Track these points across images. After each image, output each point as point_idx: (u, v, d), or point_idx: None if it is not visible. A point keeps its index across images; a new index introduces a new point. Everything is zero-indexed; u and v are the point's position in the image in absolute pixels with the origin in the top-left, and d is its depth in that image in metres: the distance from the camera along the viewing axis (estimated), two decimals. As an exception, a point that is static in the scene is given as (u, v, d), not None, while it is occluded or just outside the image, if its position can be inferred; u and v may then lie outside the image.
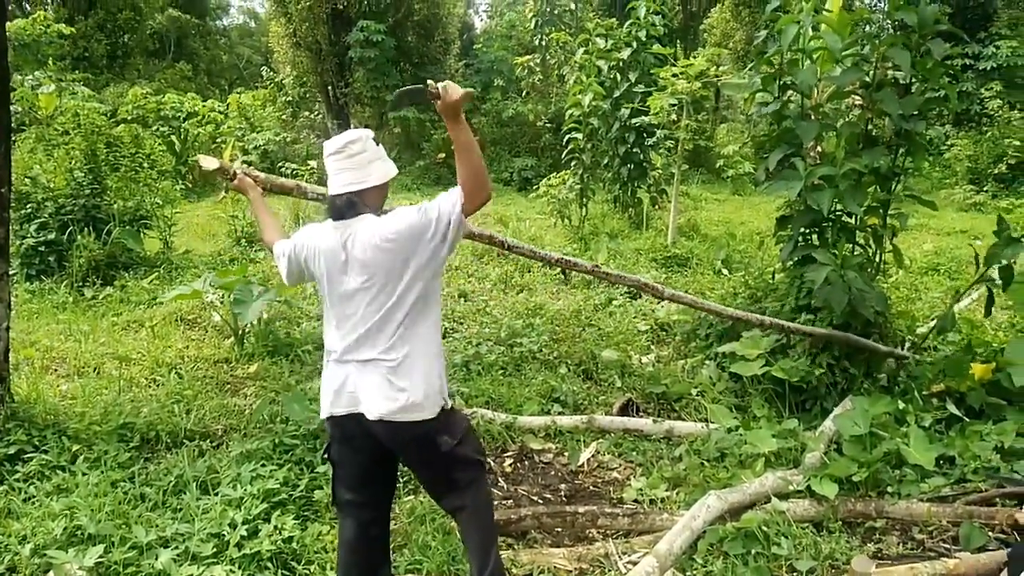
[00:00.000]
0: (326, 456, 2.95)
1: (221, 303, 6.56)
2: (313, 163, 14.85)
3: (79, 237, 7.81)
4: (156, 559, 3.22)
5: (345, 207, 2.82)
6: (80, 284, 7.62)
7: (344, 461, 2.89)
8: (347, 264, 2.76)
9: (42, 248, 7.83)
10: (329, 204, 2.90)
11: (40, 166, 8.40)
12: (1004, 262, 4.81)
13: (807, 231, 5.45)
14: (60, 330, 6.38)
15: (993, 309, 5.16)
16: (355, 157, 2.82)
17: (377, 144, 2.92)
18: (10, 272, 4.55)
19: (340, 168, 2.83)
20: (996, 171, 14.33)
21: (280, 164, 14.94)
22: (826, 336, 4.93)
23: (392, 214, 2.79)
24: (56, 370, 5.61)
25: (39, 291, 7.44)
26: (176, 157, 14.72)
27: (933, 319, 6.45)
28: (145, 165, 9.09)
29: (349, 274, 2.76)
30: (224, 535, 3.40)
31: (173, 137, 15.91)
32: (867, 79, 5.08)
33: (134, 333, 6.50)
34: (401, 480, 4.16)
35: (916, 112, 5.07)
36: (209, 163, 3.73)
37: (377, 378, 2.69)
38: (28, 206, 7.98)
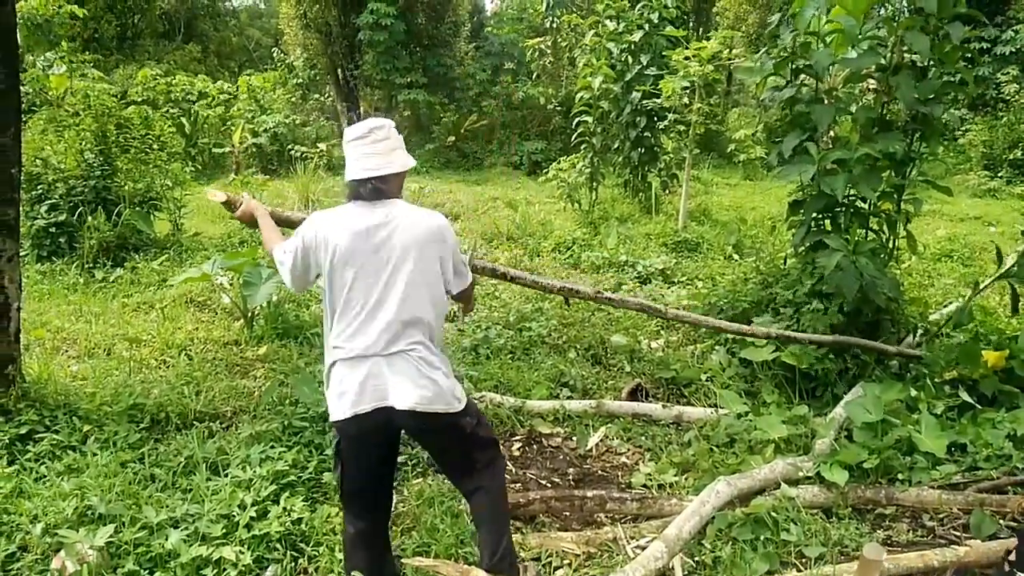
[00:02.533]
0: (336, 453, 2.93)
1: (230, 285, 6.57)
2: (323, 146, 14.88)
3: (89, 218, 7.82)
4: (166, 539, 3.24)
5: (370, 192, 2.83)
6: (91, 265, 7.64)
7: (358, 456, 2.88)
8: (385, 245, 2.76)
9: (53, 229, 7.84)
10: (351, 188, 2.89)
11: (51, 147, 8.40)
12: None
13: (820, 216, 5.40)
14: (71, 311, 6.41)
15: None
16: (380, 143, 2.84)
17: (398, 133, 2.94)
18: (20, 253, 4.56)
19: (364, 153, 2.83)
20: (1011, 157, 14.17)
21: (289, 146, 14.94)
22: (833, 343, 4.89)
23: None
24: (67, 351, 5.63)
25: (50, 272, 7.46)
26: (186, 139, 14.71)
27: (946, 306, 6.42)
28: (155, 147, 9.06)
29: (383, 253, 2.76)
30: (234, 516, 3.41)
31: (183, 119, 15.90)
32: (883, 62, 5.01)
33: (144, 315, 6.52)
34: (409, 464, 4.18)
35: (932, 96, 5.00)
36: (217, 196, 3.71)
37: (410, 369, 2.71)
38: (39, 187, 7.99)
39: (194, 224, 9.68)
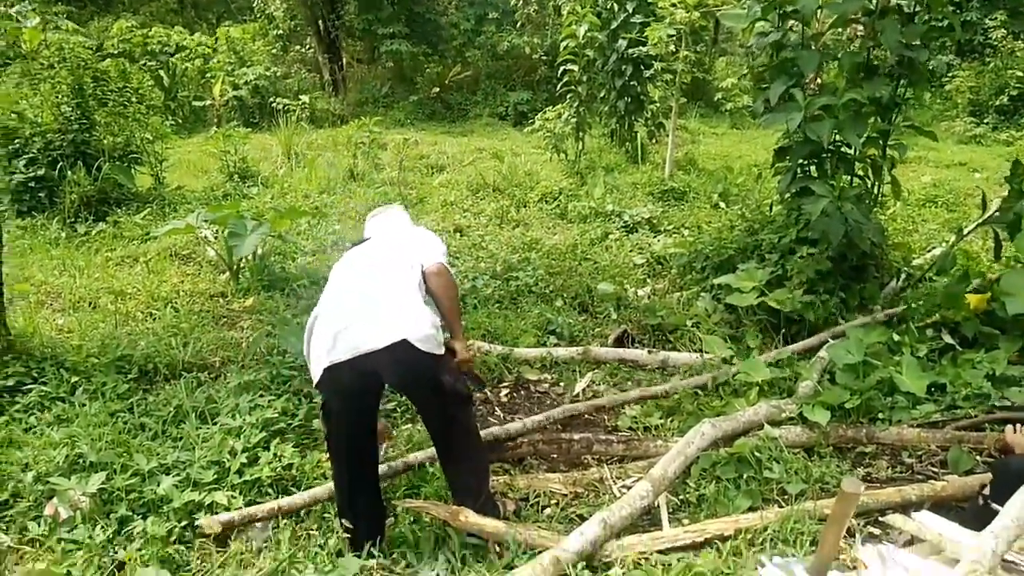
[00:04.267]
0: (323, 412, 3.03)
1: (215, 238, 6.53)
2: (305, 98, 14.62)
3: (69, 173, 7.69)
4: (158, 485, 3.27)
5: None
6: (72, 220, 7.54)
7: (343, 410, 2.95)
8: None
9: (32, 184, 7.70)
10: None
11: (26, 101, 8.23)
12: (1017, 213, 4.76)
13: (805, 163, 5.39)
14: (54, 265, 6.35)
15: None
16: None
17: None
18: (1, 208, 4.50)
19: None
20: (997, 103, 14.11)
21: (271, 99, 14.68)
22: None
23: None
24: (51, 304, 5.60)
25: (31, 227, 7.36)
26: (165, 92, 14.41)
27: (929, 251, 6.47)
28: (134, 100, 8.88)
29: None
30: (224, 463, 3.45)
31: (161, 72, 15.54)
32: (870, 6, 4.96)
33: (128, 268, 6.47)
34: (399, 409, 4.22)
35: (919, 41, 4.96)
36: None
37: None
38: (16, 141, 7.83)
39: (176, 178, 9.55)
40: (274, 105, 13.95)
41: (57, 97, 8.17)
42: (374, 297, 2.94)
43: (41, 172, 7.73)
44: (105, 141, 8.26)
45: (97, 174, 7.91)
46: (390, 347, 2.75)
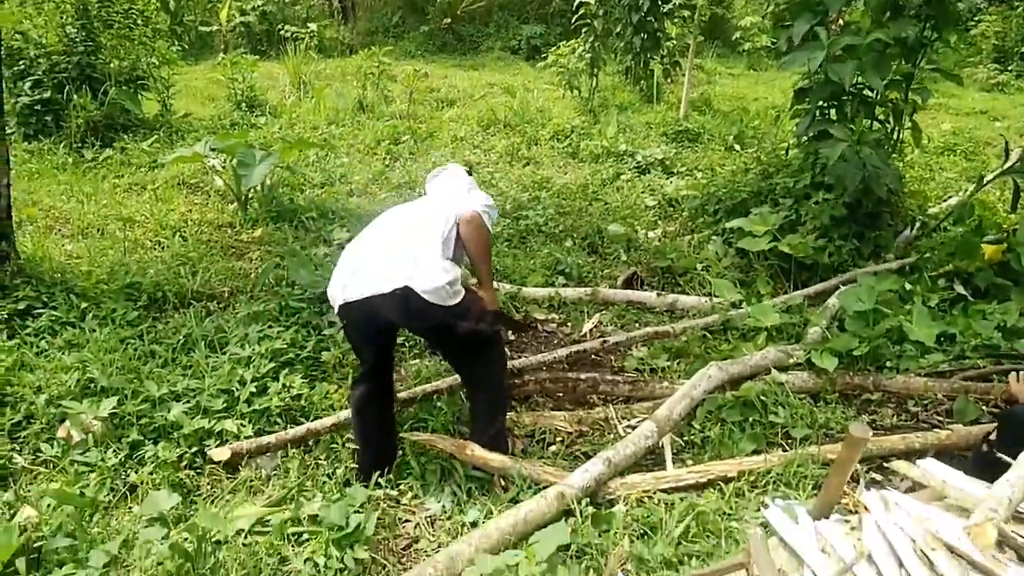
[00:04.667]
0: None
1: (223, 168, 6.46)
2: (313, 26, 14.28)
3: (75, 97, 7.59)
4: (168, 412, 3.31)
5: None
6: (79, 145, 7.46)
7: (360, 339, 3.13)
8: None
9: (38, 107, 7.60)
10: None
11: (30, 21, 8.06)
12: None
13: (825, 105, 5.27)
14: (61, 191, 6.31)
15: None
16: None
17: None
18: (7, 130, 4.44)
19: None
20: (1023, 49, 13.74)
21: (279, 26, 14.36)
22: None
23: None
24: (60, 230, 5.59)
25: (38, 151, 7.29)
26: (171, 16, 14.11)
27: (946, 200, 6.38)
28: (139, 22, 8.69)
29: None
30: (234, 391, 3.49)
31: (167, -6, 15.18)
32: (899, -58, 4.77)
33: (136, 196, 6.43)
34: (406, 344, 4.23)
35: (948, -20, 4.79)
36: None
37: None
38: (21, 63, 7.71)
39: (183, 105, 9.41)
40: (282, 32, 13.65)
41: (61, 17, 8.01)
42: (391, 245, 2.98)
43: (47, 95, 7.63)
44: (111, 65, 8.13)
45: (103, 99, 7.81)
46: (393, 293, 2.80)
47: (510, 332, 4.11)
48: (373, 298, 2.83)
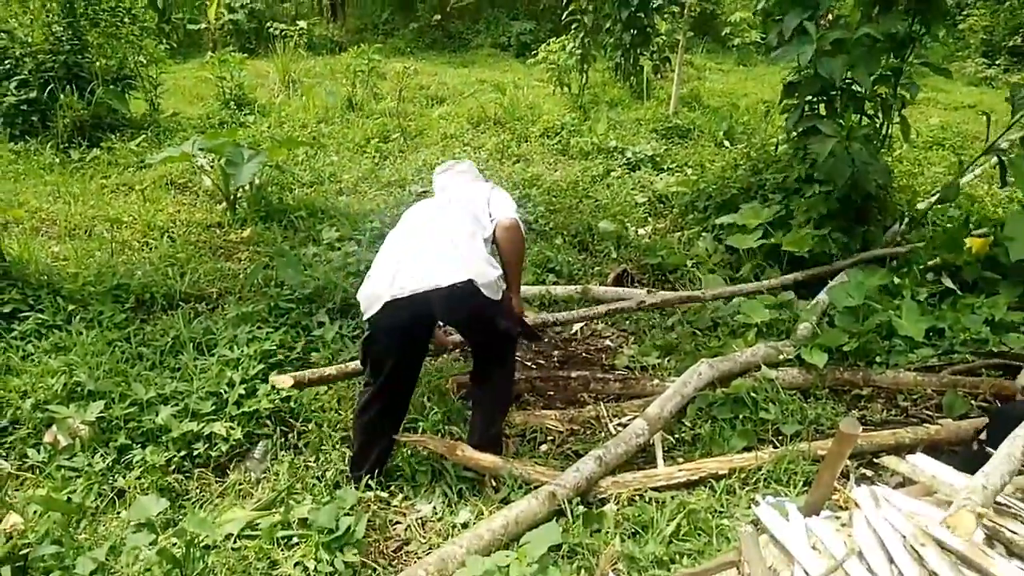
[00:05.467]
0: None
1: (211, 167, 6.42)
2: (302, 23, 14.21)
3: (62, 96, 7.53)
4: (156, 415, 3.29)
5: None
6: (66, 145, 7.41)
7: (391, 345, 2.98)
8: None
9: (24, 107, 7.54)
10: None
11: (16, 19, 7.99)
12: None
13: (814, 100, 5.28)
14: (48, 192, 6.26)
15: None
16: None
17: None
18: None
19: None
20: (1011, 44, 13.79)
21: (268, 23, 14.28)
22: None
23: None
24: (46, 232, 5.54)
25: (24, 152, 7.23)
26: (159, 14, 14.02)
27: (934, 195, 6.38)
28: (126, 20, 8.63)
29: None
30: (223, 393, 3.46)
31: (154, -8, 15.07)
32: (888, -63, 4.77)
33: (124, 196, 6.38)
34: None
35: (938, -26, 4.80)
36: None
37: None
38: (6, 62, 7.63)
39: (171, 104, 9.35)
40: (271, 30, 13.56)
41: (47, 16, 7.94)
42: (440, 239, 2.98)
43: (33, 95, 7.56)
44: (98, 63, 8.05)
45: (90, 98, 7.74)
46: (454, 285, 2.79)
47: (524, 339, 4.10)
48: (428, 292, 2.80)
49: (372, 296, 2.89)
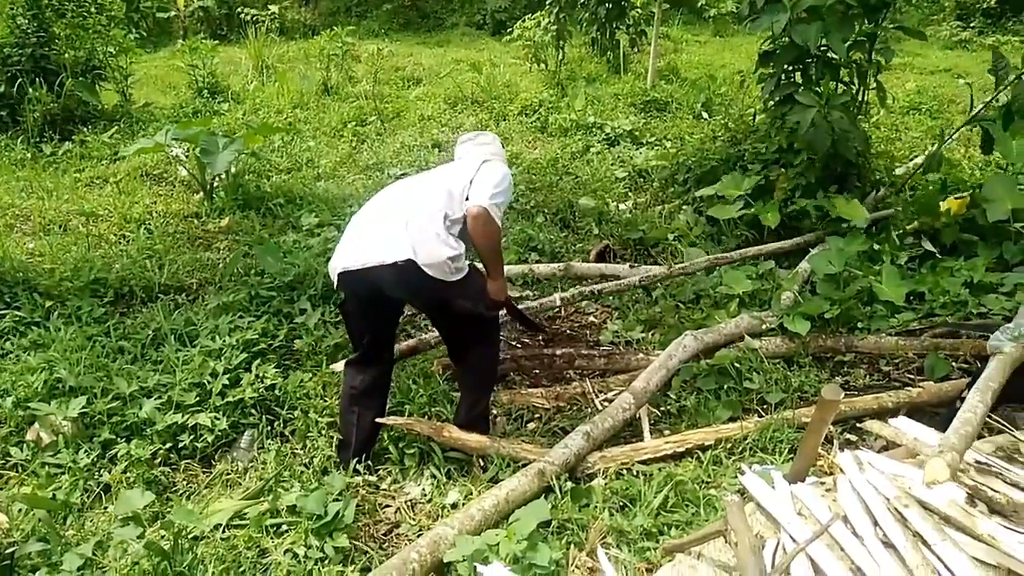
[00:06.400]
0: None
1: (186, 157, 6.35)
2: (274, 8, 14.01)
3: (30, 90, 7.40)
4: (140, 408, 3.26)
5: None
6: (37, 140, 7.29)
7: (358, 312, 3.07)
8: None
9: (-8, 102, 7.44)
10: None
11: (-22, 13, 7.83)
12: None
13: (791, 68, 5.26)
14: (21, 187, 6.16)
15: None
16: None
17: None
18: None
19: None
20: (985, 5, 13.79)
21: (239, 9, 14.07)
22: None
23: None
24: (20, 228, 5.47)
25: (-6, 148, 7.12)
26: (127, 2, 13.77)
27: (912, 159, 6.42)
28: (93, 10, 8.47)
29: None
30: (206, 384, 3.43)
31: (121, -19, 14.79)
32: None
33: (98, 189, 6.30)
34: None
35: (910, -63, 4.78)
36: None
37: None
38: (-29, 56, 7.51)
39: (143, 94, 9.21)
40: (242, 16, 13.36)
41: (11, 8, 7.77)
42: (395, 215, 2.92)
43: (1, 89, 7.43)
44: (66, 55, 7.91)
45: (60, 91, 7.61)
46: (394, 264, 2.76)
47: (520, 327, 4.06)
48: (373, 268, 2.78)
49: (331, 267, 2.96)
